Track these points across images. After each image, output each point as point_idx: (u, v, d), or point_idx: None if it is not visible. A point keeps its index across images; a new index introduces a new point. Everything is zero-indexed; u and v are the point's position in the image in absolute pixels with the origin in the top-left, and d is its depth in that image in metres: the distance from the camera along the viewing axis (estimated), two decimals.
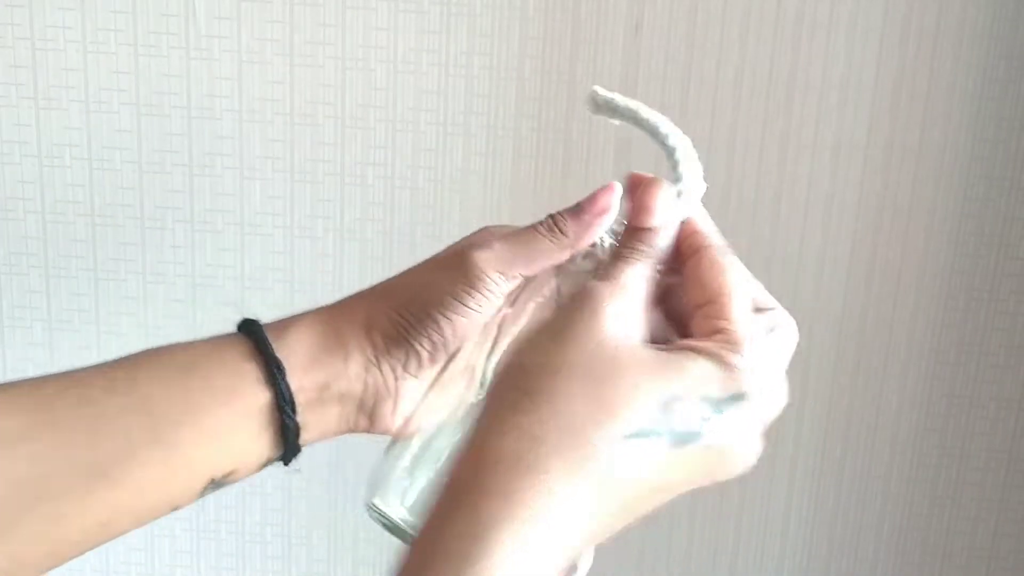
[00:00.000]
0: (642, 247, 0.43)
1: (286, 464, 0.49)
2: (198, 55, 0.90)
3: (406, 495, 0.46)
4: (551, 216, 0.47)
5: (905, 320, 0.96)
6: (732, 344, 0.40)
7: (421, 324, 0.47)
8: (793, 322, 0.43)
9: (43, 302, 0.96)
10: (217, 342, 0.47)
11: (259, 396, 0.46)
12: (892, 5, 0.90)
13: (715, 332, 0.40)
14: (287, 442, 0.47)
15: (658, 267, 0.43)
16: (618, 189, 0.47)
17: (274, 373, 0.46)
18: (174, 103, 0.91)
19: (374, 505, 0.46)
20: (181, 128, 0.92)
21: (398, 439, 0.48)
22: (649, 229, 0.43)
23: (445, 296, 0.46)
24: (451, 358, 0.48)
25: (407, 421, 0.49)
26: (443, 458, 0.46)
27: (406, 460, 0.48)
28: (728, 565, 1.03)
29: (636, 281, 0.41)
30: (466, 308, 0.46)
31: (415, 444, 0.48)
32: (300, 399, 0.47)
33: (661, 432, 0.37)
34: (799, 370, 0.97)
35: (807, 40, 0.91)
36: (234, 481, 0.48)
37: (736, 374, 0.39)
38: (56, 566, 0.44)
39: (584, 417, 0.37)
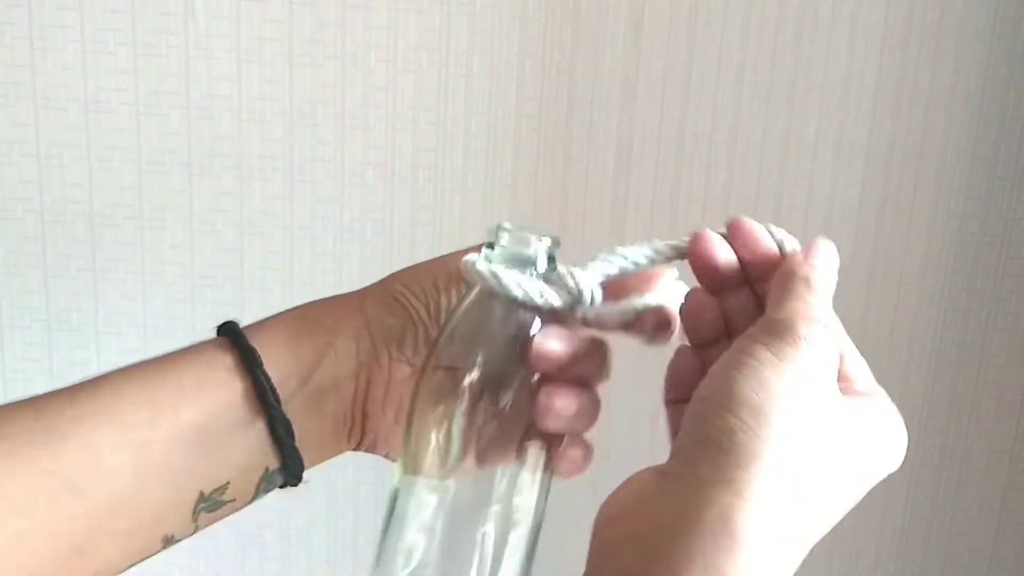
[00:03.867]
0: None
1: (294, 484, 0.45)
2: (197, 54, 0.90)
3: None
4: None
5: (907, 320, 0.96)
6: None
7: (422, 291, 0.45)
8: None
9: (42, 302, 0.96)
10: (191, 346, 0.45)
11: (233, 386, 0.43)
12: (894, 5, 0.90)
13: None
14: (282, 446, 0.43)
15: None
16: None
17: (248, 360, 0.43)
18: (173, 103, 0.91)
19: None
20: (180, 128, 0.92)
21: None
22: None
23: (452, 269, 0.44)
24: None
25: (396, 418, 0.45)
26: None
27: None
28: None
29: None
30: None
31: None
32: (286, 388, 0.43)
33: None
34: None
35: (808, 40, 0.90)
36: (234, 504, 0.44)
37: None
38: None
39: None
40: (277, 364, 0.43)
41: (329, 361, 0.44)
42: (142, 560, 0.43)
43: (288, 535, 1.01)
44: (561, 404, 0.41)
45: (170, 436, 0.41)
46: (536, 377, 0.41)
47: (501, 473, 0.42)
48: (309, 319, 0.46)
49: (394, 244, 0.94)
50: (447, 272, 0.44)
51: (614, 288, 0.43)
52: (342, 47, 0.90)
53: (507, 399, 0.41)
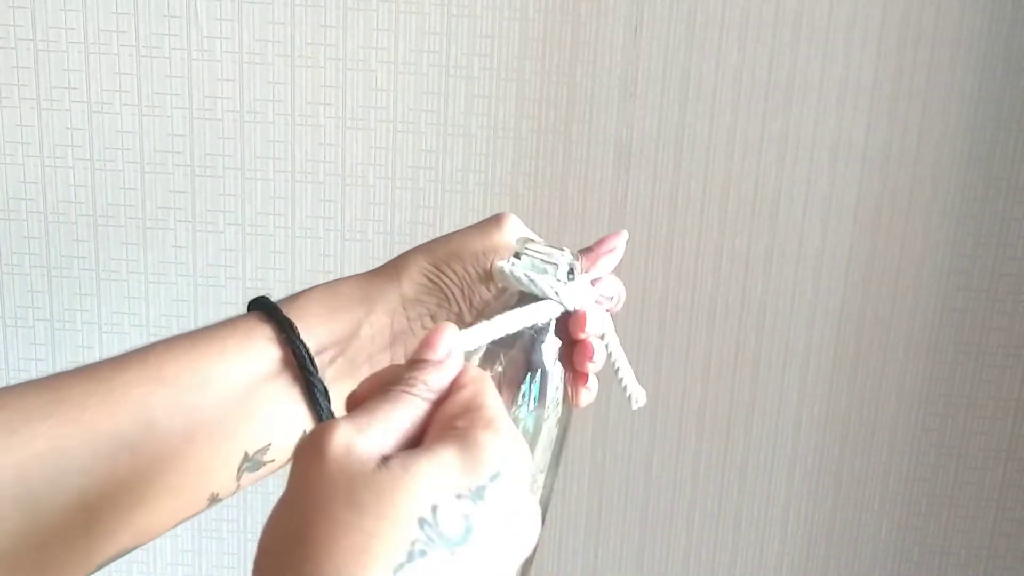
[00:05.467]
0: (413, 383, 0.37)
1: None
2: (200, 56, 0.91)
3: None
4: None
5: (903, 320, 0.97)
6: (478, 420, 0.35)
7: (457, 279, 0.49)
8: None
9: (45, 302, 0.96)
10: (227, 320, 0.48)
11: (273, 355, 0.46)
12: (890, 6, 0.90)
13: (459, 415, 0.36)
14: (319, 411, 0.47)
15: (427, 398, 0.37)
16: (625, 235, 0.51)
17: (286, 331, 0.46)
18: (176, 104, 0.92)
19: None
20: (183, 129, 0.92)
21: None
22: (426, 362, 0.38)
23: (482, 254, 0.49)
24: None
25: None
26: None
27: None
28: (727, 564, 1.03)
29: (384, 419, 0.35)
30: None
31: None
32: (323, 358, 0.47)
33: (432, 546, 0.32)
34: (798, 369, 0.98)
35: (806, 41, 0.91)
36: (273, 464, 0.47)
37: (483, 453, 0.34)
38: (96, 562, 0.43)
39: (345, 569, 0.31)
40: (314, 335, 0.47)
41: (365, 333, 0.48)
42: (189, 518, 0.45)
43: None
44: (599, 356, 0.48)
45: (216, 400, 0.44)
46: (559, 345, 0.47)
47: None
48: (343, 294, 0.49)
49: (395, 244, 0.95)
50: (474, 259, 0.49)
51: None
52: (344, 49, 0.91)
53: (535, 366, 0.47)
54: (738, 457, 1.01)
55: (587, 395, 0.49)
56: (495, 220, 0.50)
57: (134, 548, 0.44)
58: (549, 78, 0.92)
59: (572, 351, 0.48)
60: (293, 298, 0.48)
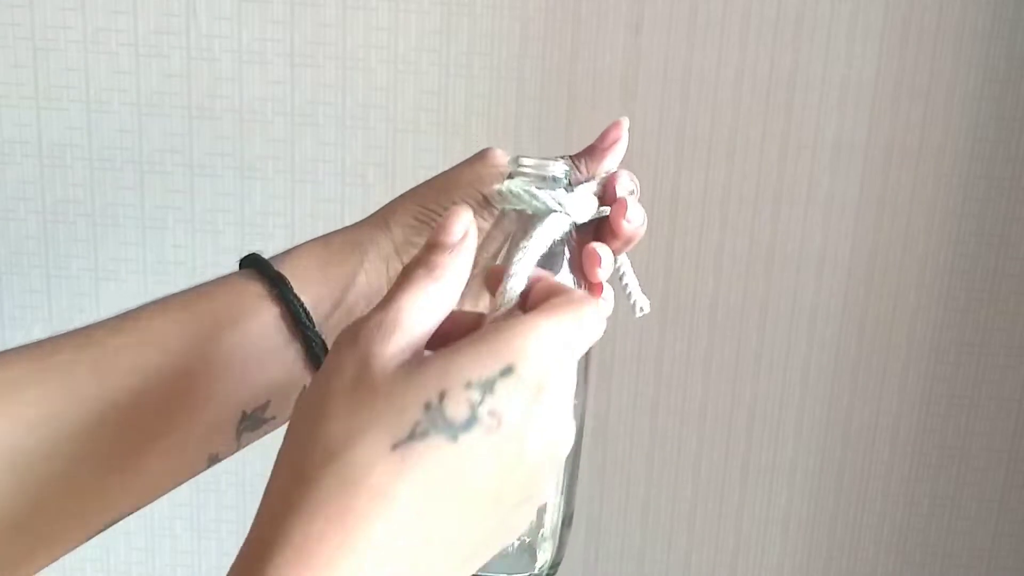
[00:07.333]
0: (429, 264, 0.38)
1: None
2: (199, 55, 0.90)
3: None
4: (569, 156, 0.51)
5: (905, 320, 0.97)
6: (500, 317, 0.38)
7: (444, 210, 0.47)
8: (596, 310, 0.39)
9: (44, 302, 0.96)
10: (218, 279, 0.47)
11: (266, 313, 0.45)
12: (892, 5, 0.90)
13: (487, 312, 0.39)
14: (319, 363, 0.45)
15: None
16: (626, 122, 0.53)
17: (279, 287, 0.45)
18: (175, 103, 0.91)
19: None
20: (182, 128, 0.92)
21: None
22: (442, 244, 0.39)
23: (469, 185, 0.48)
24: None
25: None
26: None
27: None
28: (728, 565, 1.03)
29: (409, 309, 0.37)
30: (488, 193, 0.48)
31: None
32: (320, 311, 0.46)
33: (431, 429, 0.34)
34: (799, 370, 0.98)
35: (807, 40, 0.91)
36: (274, 422, 0.46)
37: (499, 347, 0.35)
38: (96, 527, 0.42)
39: (343, 440, 0.34)
40: (309, 289, 0.46)
41: (361, 281, 0.47)
42: (188, 479, 0.45)
43: None
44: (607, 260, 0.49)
45: (210, 361, 0.43)
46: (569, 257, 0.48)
47: None
48: (335, 245, 0.48)
49: None
50: (464, 191, 0.48)
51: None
52: (343, 48, 0.90)
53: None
54: (739, 457, 1.00)
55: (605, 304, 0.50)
56: (480, 153, 0.50)
57: (135, 511, 0.44)
58: (549, 78, 0.91)
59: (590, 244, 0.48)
60: (286, 253, 0.48)
